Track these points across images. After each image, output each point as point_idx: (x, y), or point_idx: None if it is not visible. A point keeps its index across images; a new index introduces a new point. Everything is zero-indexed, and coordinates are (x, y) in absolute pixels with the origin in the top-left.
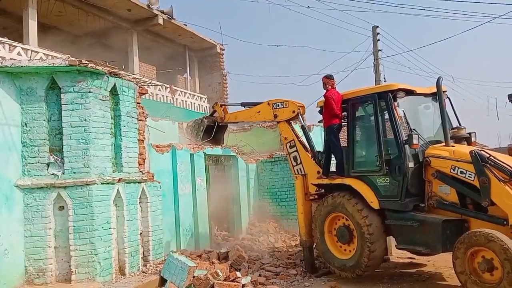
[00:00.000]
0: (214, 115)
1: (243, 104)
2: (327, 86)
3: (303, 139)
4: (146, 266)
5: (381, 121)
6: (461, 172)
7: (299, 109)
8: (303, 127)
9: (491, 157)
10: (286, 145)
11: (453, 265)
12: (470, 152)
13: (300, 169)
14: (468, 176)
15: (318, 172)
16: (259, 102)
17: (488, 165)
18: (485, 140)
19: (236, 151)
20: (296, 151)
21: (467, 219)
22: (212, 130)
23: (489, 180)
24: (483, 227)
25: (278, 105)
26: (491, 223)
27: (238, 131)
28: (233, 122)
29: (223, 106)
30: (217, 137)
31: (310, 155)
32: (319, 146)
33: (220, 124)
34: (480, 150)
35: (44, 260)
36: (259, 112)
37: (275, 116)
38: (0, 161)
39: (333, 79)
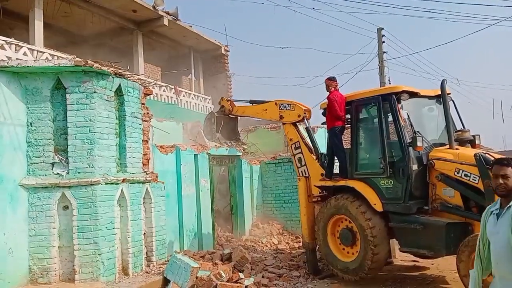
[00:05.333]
0: (221, 109)
1: (251, 102)
2: (330, 88)
3: (308, 140)
4: (149, 266)
5: (385, 123)
6: (465, 175)
7: (305, 113)
8: (307, 129)
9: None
10: (291, 147)
11: (457, 268)
12: (475, 155)
13: (304, 170)
14: (473, 179)
15: (322, 174)
16: (267, 101)
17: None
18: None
19: (241, 151)
20: (301, 152)
21: (471, 222)
22: (224, 120)
23: None
24: None
25: (285, 106)
26: None
27: (242, 132)
28: (240, 116)
29: (229, 101)
30: (231, 130)
31: (314, 157)
32: (323, 148)
33: (230, 116)
34: (485, 153)
35: (48, 259)
36: (266, 110)
37: (281, 117)
38: (5, 161)
39: (336, 81)
